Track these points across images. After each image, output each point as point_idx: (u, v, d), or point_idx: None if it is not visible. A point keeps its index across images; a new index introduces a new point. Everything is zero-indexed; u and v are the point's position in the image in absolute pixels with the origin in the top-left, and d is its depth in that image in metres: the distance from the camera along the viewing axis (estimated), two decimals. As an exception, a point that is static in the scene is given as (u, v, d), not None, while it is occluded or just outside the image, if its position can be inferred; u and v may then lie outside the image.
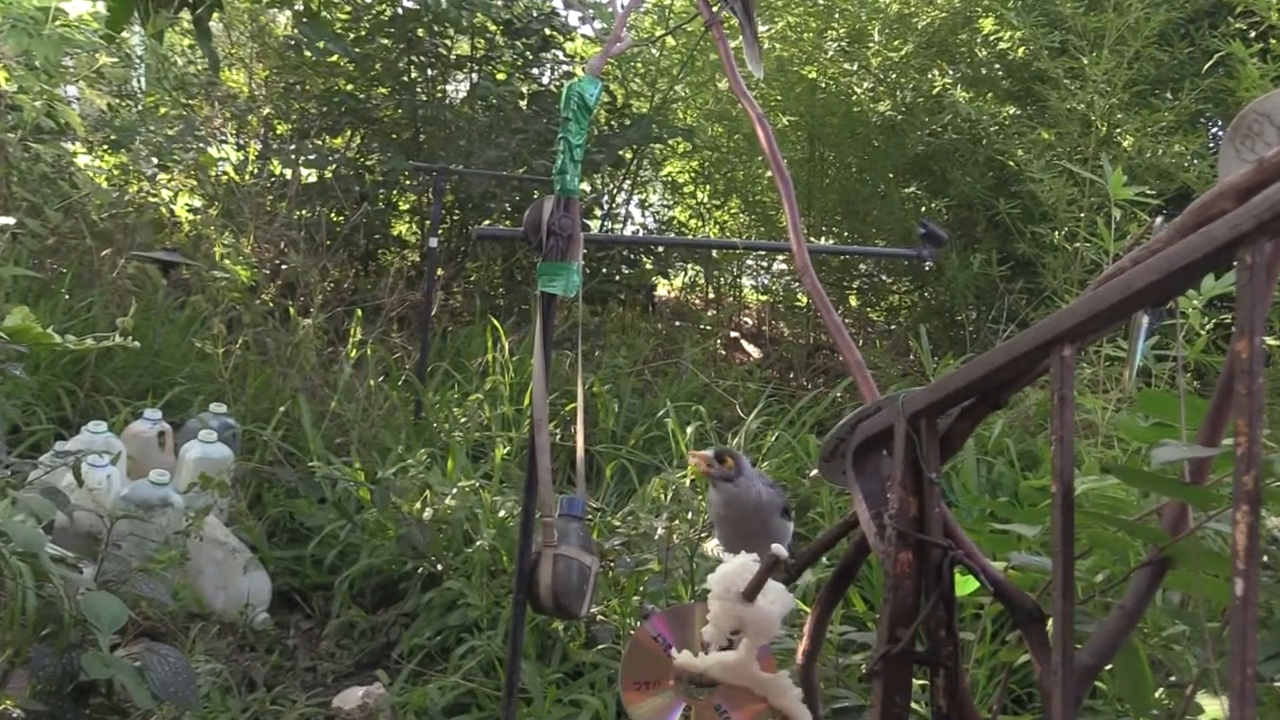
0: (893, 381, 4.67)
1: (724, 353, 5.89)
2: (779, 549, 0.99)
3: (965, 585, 1.15)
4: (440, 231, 4.81)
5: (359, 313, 4.28)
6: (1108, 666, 0.85)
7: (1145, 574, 0.84)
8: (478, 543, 2.69)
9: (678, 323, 6.25)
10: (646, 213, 7.10)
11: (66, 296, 3.88)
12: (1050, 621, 0.77)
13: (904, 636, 0.86)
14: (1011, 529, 1.21)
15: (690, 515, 2.81)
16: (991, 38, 5.00)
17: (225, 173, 5.35)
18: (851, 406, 4.01)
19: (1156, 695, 1.45)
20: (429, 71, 5.60)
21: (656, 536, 2.71)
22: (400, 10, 5.39)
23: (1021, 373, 0.83)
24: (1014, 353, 0.79)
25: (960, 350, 4.84)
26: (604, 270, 5.75)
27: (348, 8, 5.48)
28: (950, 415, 0.91)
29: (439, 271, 5.07)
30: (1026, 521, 1.22)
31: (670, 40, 6.19)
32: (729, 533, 1.40)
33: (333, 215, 5.41)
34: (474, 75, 5.67)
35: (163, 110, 5.36)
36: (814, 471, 3.07)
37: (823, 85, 5.68)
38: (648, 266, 6.11)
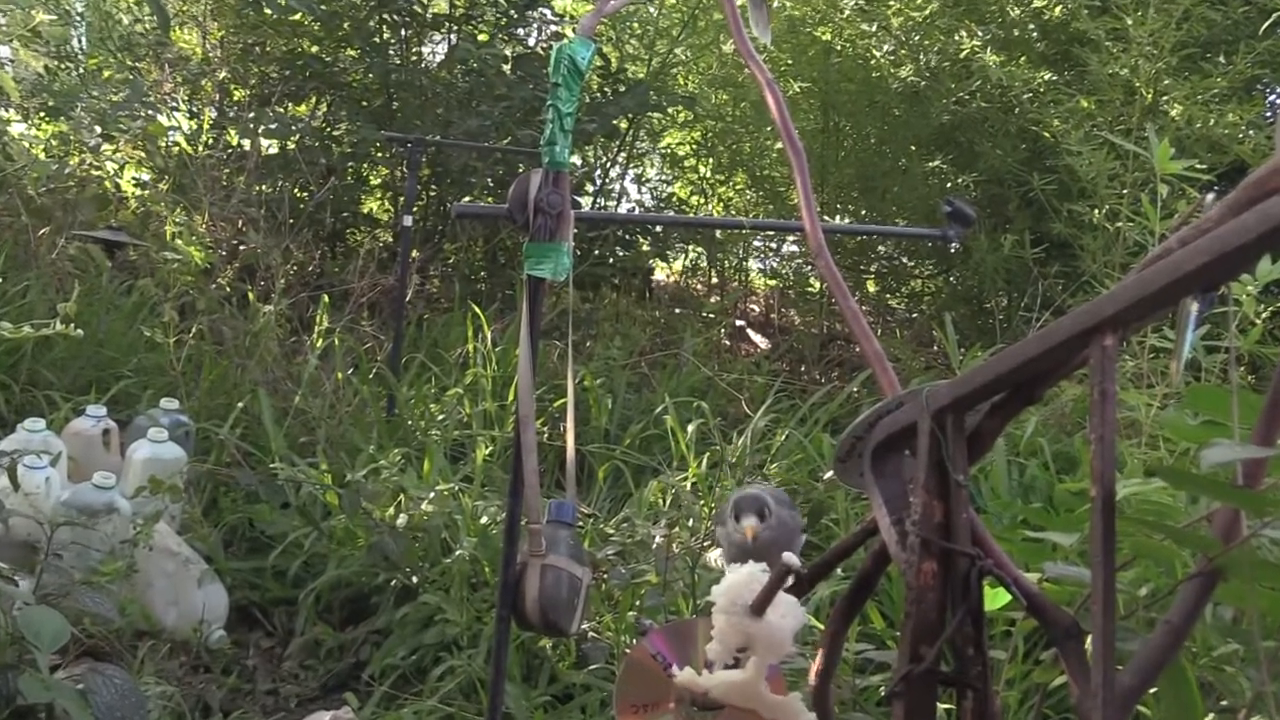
0: (915, 375, 4.70)
1: (729, 343, 5.91)
2: (791, 558, 1.00)
3: (995, 599, 1.19)
4: (415, 209, 4.81)
5: (326, 298, 4.28)
6: (1152, 689, 0.85)
7: (1194, 586, 0.84)
8: (457, 552, 2.70)
9: (678, 310, 6.27)
10: (643, 189, 7.11)
11: (0, 280, 3.87)
12: (1089, 639, 0.78)
13: (928, 655, 0.87)
14: (1046, 537, 1.22)
15: (691, 522, 2.82)
16: (1025, -5, 5.01)
17: (176, 143, 5.34)
18: (870, 402, 4.01)
19: (1205, 720, 1.43)
20: (403, 31, 5.59)
21: (654, 545, 2.73)
22: (371, -37, 5.39)
23: (1058, 365, 0.83)
24: (1049, 342, 0.79)
25: (990, 341, 4.85)
26: (596, 252, 5.77)
27: (312, -40, 5.47)
28: (979, 412, 0.91)
29: (414, 253, 5.05)
30: (1063, 529, 1.23)
31: (670, -3, 6.20)
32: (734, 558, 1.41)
33: (296, 191, 5.40)
34: (452, 36, 5.66)
35: (106, 74, 5.35)
36: (828, 474, 3.07)
37: (838, 48, 5.67)
38: (645, 248, 6.13)
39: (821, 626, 1.17)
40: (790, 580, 1.02)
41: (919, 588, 0.88)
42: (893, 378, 1.09)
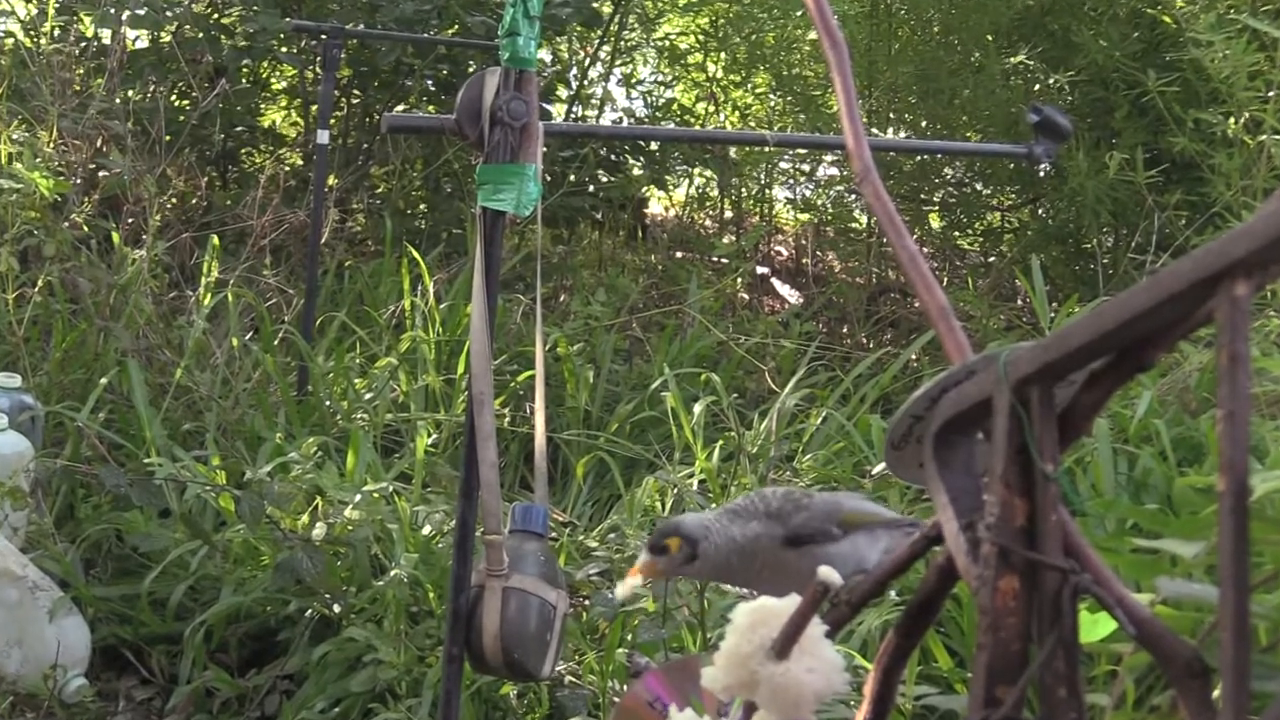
0: (992, 336, 4.70)
1: (747, 297, 5.90)
2: (829, 573, 1.00)
3: (1095, 626, 1.20)
4: (333, 122, 4.79)
5: (215, 241, 4.27)
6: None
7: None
8: (392, 573, 2.70)
9: (680, 254, 6.29)
10: (634, 94, 7.08)
11: None
12: (1217, 678, 0.77)
13: (1007, 699, 0.87)
14: (1162, 546, 1.22)
15: None
16: None
17: (9, 34, 5.29)
18: (931, 373, 4.16)
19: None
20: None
21: None
22: None
23: (1176, 321, 0.82)
24: (1165, 292, 0.79)
25: (1089, 291, 4.83)
26: (573, 178, 5.69)
27: None
28: (1073, 383, 0.91)
29: (331, 180, 5.04)
30: (1184, 536, 1.23)
31: None
32: (747, 585, 1.40)
33: (175, 98, 5.37)
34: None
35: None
36: (878, 467, 3.06)
37: (891, -96, 5.65)
38: (636, 172, 6.11)
39: (869, 667, 1.19)
40: (826, 606, 1.02)
41: (996, 612, 0.88)
42: (962, 340, 1.09)
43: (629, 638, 2.61)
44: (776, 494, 1.34)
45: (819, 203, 6.76)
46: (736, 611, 1.06)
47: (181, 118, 5.14)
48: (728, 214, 7.11)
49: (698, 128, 6.76)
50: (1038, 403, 0.90)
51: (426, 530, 2.87)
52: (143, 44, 5.35)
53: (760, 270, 6.30)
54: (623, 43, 6.76)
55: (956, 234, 6.51)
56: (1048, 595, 0.88)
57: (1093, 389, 0.91)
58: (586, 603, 2.81)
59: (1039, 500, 0.90)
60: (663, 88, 7.21)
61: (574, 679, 2.58)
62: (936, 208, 6.38)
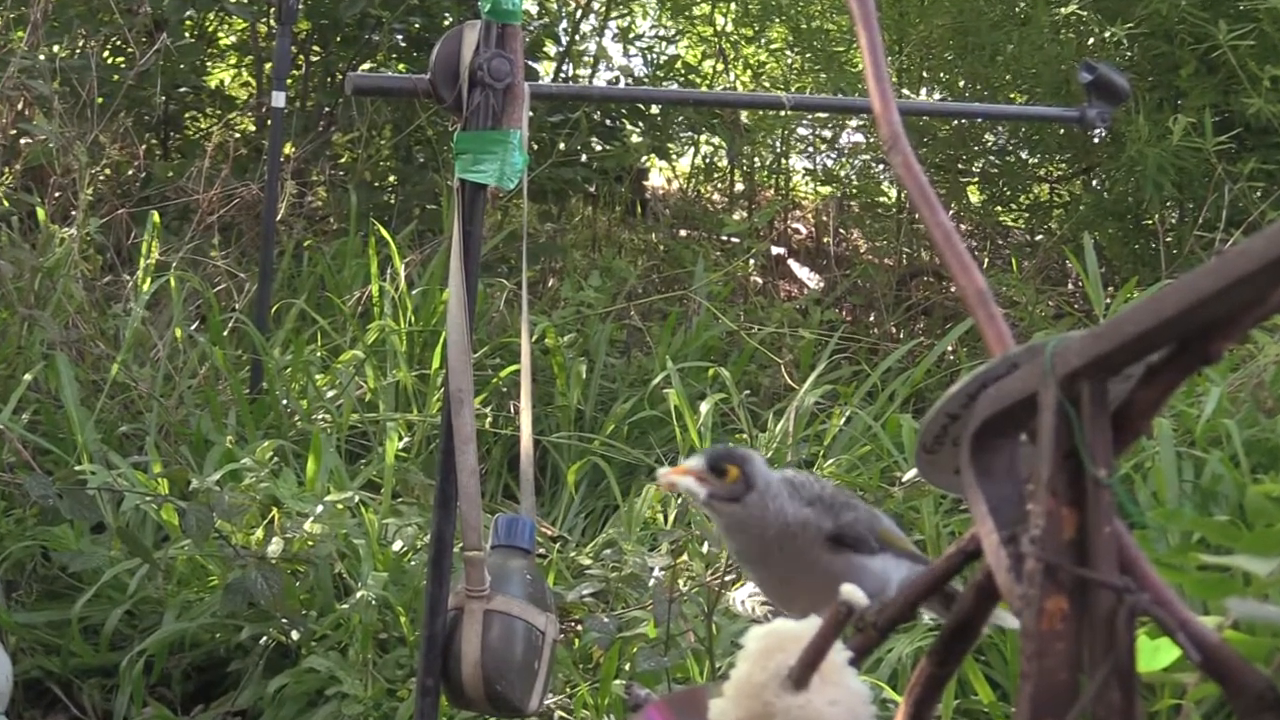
0: (1039, 325, 4.70)
1: (760, 281, 5.90)
2: (853, 591, 1.00)
3: (1156, 654, 1.21)
4: (290, 82, 4.78)
5: (156, 217, 4.26)
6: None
7: None
8: (358, 594, 2.71)
9: (684, 232, 6.28)
10: (631, 50, 7.06)
11: None
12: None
13: (1055, 736, 0.87)
14: (1233, 563, 1.20)
15: (706, 546, 2.83)
16: None
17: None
18: (969, 366, 4.12)
19: None
20: None
21: (652, 582, 2.74)
22: None
23: (1248, 307, 0.82)
24: (1235, 274, 0.79)
25: (1150, 274, 4.83)
26: (563, 146, 5.70)
27: None
28: (1130, 377, 0.91)
29: (288, 149, 5.02)
30: (1257, 551, 1.21)
31: None
32: (763, 582, 1.41)
33: (108, 55, 5.36)
34: None
35: None
36: (909, 473, 3.04)
37: None
38: (634, 140, 6.07)
39: (899, 698, 1.19)
40: (850, 629, 1.02)
41: (1042, 636, 0.88)
42: (1003, 329, 1.09)
43: (627, 667, 2.61)
44: (827, 485, 1.35)
45: (842, 174, 6.74)
46: (749, 635, 1.06)
47: (116, 77, 5.12)
48: (738, 187, 7.08)
49: (704, 89, 6.66)
50: (1089, 400, 0.90)
51: (397, 546, 2.88)
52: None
53: (775, 251, 6.30)
54: (620, -8, 6.76)
55: (999, 209, 6.50)
56: (1100, 618, 0.88)
57: (1152, 384, 0.90)
58: (579, 628, 2.82)
59: (1090, 510, 0.89)
60: (665, 43, 7.19)
61: (565, 714, 2.59)
62: (976, 179, 6.36)
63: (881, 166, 6.33)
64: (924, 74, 6.09)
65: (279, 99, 4.08)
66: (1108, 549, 0.89)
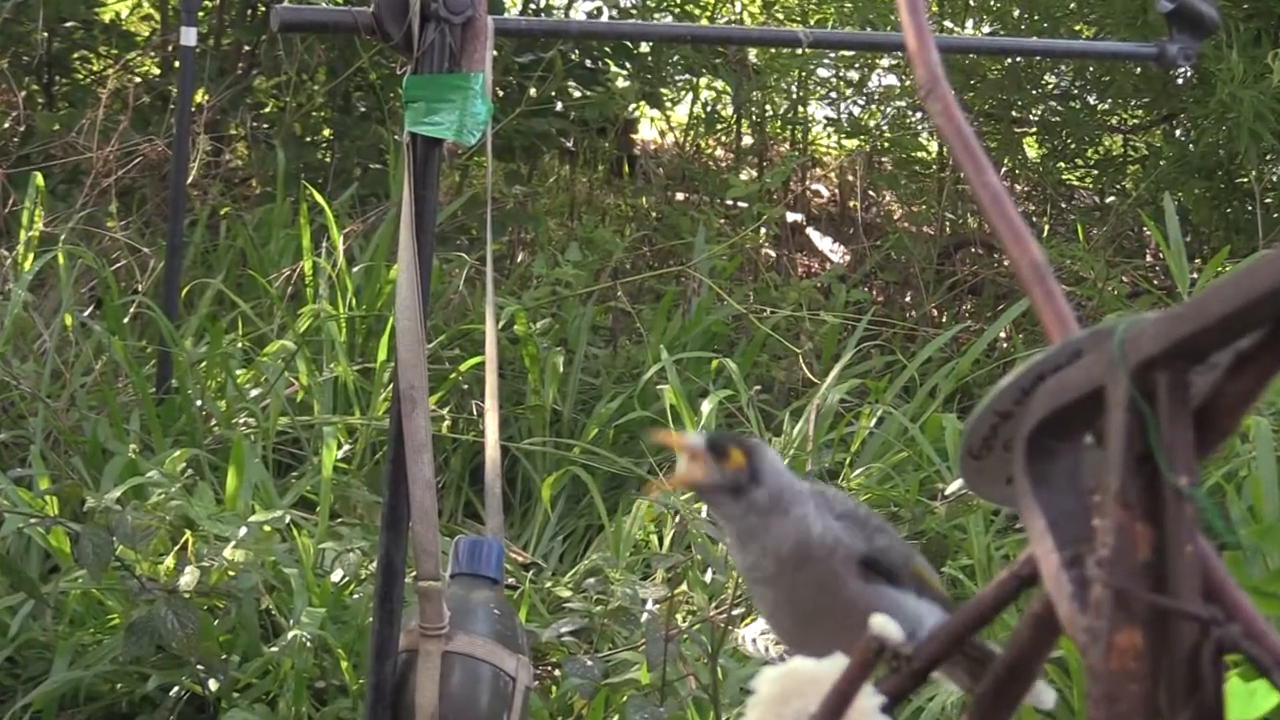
0: (1110, 305, 4.72)
1: (774, 254, 5.90)
2: (885, 623, 1.03)
3: (1251, 698, 1.22)
4: (201, 15, 4.68)
5: (39, 180, 4.20)
6: None
7: None
8: (290, 634, 2.72)
9: (681, 195, 6.27)
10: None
11: None
12: None
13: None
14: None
15: (710, 572, 2.87)
16: None
17: None
18: (1024, 355, 4.08)
19: None
20: None
21: (644, 617, 2.76)
22: None
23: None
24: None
25: (1245, 242, 4.87)
26: (534, 92, 5.63)
27: None
28: (1216, 366, 0.90)
29: (201, 96, 4.91)
30: None
31: None
32: (775, 608, 1.37)
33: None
34: None
35: None
36: (954, 484, 3.06)
37: None
38: (620, 84, 6.06)
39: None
40: (883, 668, 1.07)
41: (1112, 677, 0.89)
42: (1064, 310, 1.10)
43: (615, 719, 2.61)
44: (853, 502, 1.36)
45: (871, 124, 6.69)
46: (760, 678, 1.10)
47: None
48: (746, 141, 7.06)
49: (704, 23, 6.59)
50: (1167, 393, 0.90)
51: (337, 576, 2.88)
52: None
53: (792, 218, 6.24)
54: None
55: (1061, 165, 6.51)
56: (1182, 655, 0.89)
57: (1243, 375, 0.91)
58: (556, 673, 2.82)
59: (1169, 526, 0.91)
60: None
61: (540, 778, 2.61)
62: (1034, 130, 6.37)
63: (919, 115, 6.27)
64: (970, 2, 6.17)
65: (189, 36, 4.00)
66: (1190, 572, 0.91)
